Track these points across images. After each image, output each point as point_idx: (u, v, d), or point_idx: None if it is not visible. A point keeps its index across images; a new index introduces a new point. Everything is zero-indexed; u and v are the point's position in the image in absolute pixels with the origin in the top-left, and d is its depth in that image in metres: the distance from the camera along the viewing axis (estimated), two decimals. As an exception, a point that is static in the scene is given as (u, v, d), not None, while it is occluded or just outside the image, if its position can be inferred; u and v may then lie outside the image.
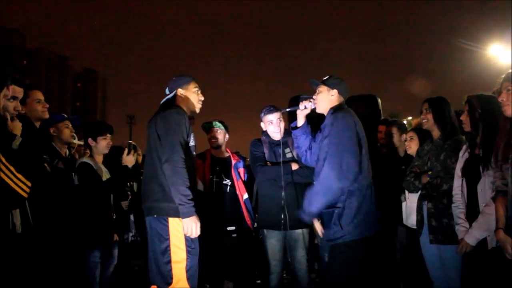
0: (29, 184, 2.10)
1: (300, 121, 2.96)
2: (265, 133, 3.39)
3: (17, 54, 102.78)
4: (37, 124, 3.02)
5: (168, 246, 2.50)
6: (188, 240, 2.54)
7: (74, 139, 3.46)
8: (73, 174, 3.31)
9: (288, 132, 3.26)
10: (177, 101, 2.77)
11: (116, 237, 3.51)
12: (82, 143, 3.71)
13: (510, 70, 2.29)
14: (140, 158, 5.00)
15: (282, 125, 3.29)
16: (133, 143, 4.00)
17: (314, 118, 3.03)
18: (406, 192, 3.44)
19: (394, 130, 4.03)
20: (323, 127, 2.78)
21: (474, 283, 2.55)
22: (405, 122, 5.27)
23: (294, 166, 3.19)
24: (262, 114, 3.34)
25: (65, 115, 3.45)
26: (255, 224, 4.50)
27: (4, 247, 2.11)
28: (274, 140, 3.30)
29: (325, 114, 2.86)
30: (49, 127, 3.24)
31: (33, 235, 2.49)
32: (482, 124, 2.58)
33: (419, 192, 3.10)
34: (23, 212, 2.31)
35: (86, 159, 3.40)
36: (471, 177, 2.61)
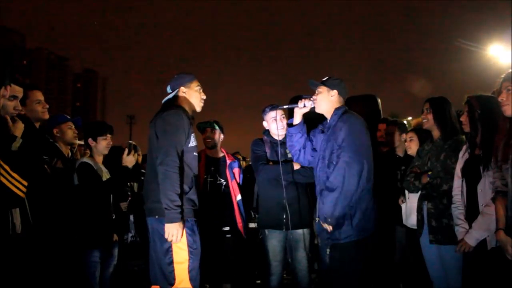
0: (25, 183, 2.10)
1: (297, 119, 2.95)
2: (266, 132, 3.39)
3: (17, 54, 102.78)
4: (37, 124, 3.02)
5: (170, 247, 2.49)
6: (190, 241, 2.54)
7: (76, 139, 3.46)
8: (73, 174, 3.31)
9: None
10: (179, 99, 2.74)
11: (115, 237, 3.51)
12: (82, 143, 3.70)
13: (510, 70, 2.29)
14: (140, 158, 5.00)
15: (285, 122, 3.27)
16: (133, 143, 4.00)
17: (310, 119, 3.04)
18: (406, 192, 3.44)
19: (395, 130, 4.04)
20: (328, 127, 2.81)
21: (474, 283, 2.55)
22: (405, 122, 5.26)
23: (296, 166, 3.18)
24: (265, 112, 3.33)
25: (68, 116, 3.46)
26: (255, 225, 4.50)
27: (4, 247, 2.11)
28: (276, 140, 3.30)
29: (325, 114, 2.87)
30: (53, 128, 3.25)
31: (33, 235, 2.49)
32: (481, 125, 2.57)
33: (419, 192, 3.10)
34: (23, 212, 2.31)
35: (86, 159, 3.40)
36: (471, 177, 2.61)
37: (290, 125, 3.00)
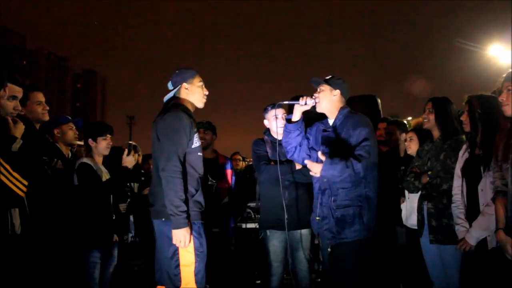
0: (25, 183, 2.11)
1: (296, 115, 2.92)
2: (267, 132, 3.38)
3: (17, 54, 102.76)
4: (37, 126, 3.01)
5: (177, 249, 2.47)
6: (197, 244, 2.52)
7: (76, 140, 3.46)
8: (73, 174, 3.31)
9: None
10: (180, 97, 2.68)
11: (115, 238, 3.51)
12: (81, 143, 3.70)
13: (510, 70, 2.29)
14: (140, 159, 5.00)
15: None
16: (133, 143, 4.00)
17: (310, 118, 3.04)
18: (406, 192, 3.44)
19: (395, 129, 4.04)
20: (332, 126, 2.81)
21: (474, 283, 2.55)
22: (404, 122, 5.27)
23: (298, 166, 3.17)
24: (266, 110, 3.33)
25: (69, 117, 3.46)
26: (255, 225, 4.49)
27: (3, 247, 2.11)
28: (277, 140, 3.29)
29: (326, 113, 2.87)
30: (54, 128, 3.25)
31: (32, 235, 2.49)
32: (482, 124, 2.58)
33: (419, 192, 3.10)
34: (23, 212, 2.31)
35: (85, 160, 3.39)
36: (471, 177, 2.61)
37: (288, 120, 2.98)
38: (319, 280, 4.16)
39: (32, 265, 2.50)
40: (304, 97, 2.86)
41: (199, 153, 2.64)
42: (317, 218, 2.81)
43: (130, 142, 3.72)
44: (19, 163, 2.11)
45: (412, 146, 3.55)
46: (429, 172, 2.99)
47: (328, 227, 2.74)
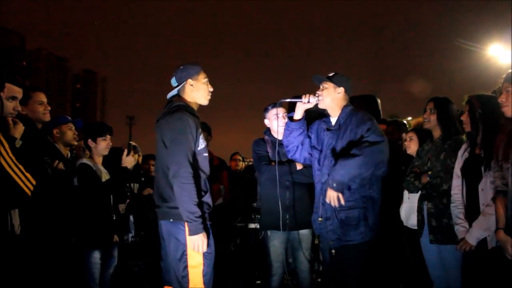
0: (34, 182, 2.15)
1: (298, 114, 2.88)
2: (268, 132, 3.37)
3: (16, 55, 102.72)
4: (39, 126, 3.01)
5: (185, 251, 2.43)
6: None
7: (76, 141, 3.45)
8: (73, 175, 3.30)
9: None
10: (185, 94, 2.62)
11: (116, 238, 3.51)
12: (80, 144, 3.70)
13: (510, 70, 2.29)
14: (140, 159, 5.00)
15: (287, 120, 3.25)
16: (133, 143, 4.00)
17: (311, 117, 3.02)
18: (406, 192, 3.42)
19: (395, 129, 4.04)
20: (336, 124, 2.76)
21: (474, 283, 2.55)
22: (404, 122, 5.27)
23: (299, 166, 3.16)
24: (267, 110, 3.31)
25: (69, 117, 3.46)
26: (255, 225, 4.49)
27: (3, 247, 2.11)
28: (277, 139, 3.29)
29: (330, 111, 2.82)
30: (53, 128, 3.24)
31: (32, 236, 2.49)
32: (482, 124, 2.57)
33: (419, 192, 3.10)
34: (22, 213, 2.31)
35: (85, 160, 3.39)
36: (471, 177, 2.61)
37: (290, 119, 2.93)
38: (319, 280, 4.16)
39: (32, 266, 2.50)
40: (307, 95, 2.81)
41: (205, 154, 2.60)
42: (320, 219, 2.77)
43: (130, 142, 3.72)
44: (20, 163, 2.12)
45: (412, 146, 3.54)
46: (429, 172, 2.99)
47: (332, 228, 2.70)
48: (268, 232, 3.25)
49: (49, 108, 3.04)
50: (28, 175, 2.13)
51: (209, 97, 2.68)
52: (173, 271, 2.47)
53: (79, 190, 3.27)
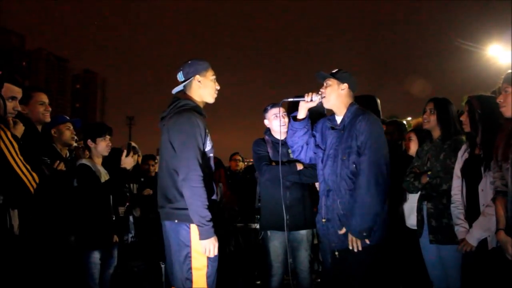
0: (37, 180, 2.19)
1: (302, 113, 2.83)
2: (268, 132, 3.36)
3: (16, 55, 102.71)
4: (39, 127, 3.01)
5: (189, 252, 2.40)
6: None
7: (74, 140, 3.44)
8: (72, 175, 3.30)
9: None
10: (191, 89, 2.55)
11: (116, 238, 3.51)
12: (77, 145, 3.70)
13: (509, 71, 2.29)
14: (140, 159, 5.00)
15: (286, 120, 3.22)
16: (133, 144, 3.99)
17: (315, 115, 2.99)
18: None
19: (395, 130, 4.04)
20: (341, 124, 2.71)
21: (474, 283, 2.55)
22: (404, 122, 5.28)
23: (299, 166, 3.15)
24: (266, 110, 3.31)
25: (67, 117, 3.45)
26: (255, 225, 4.48)
27: (2, 248, 2.11)
28: (278, 140, 3.28)
29: (334, 109, 2.77)
30: (51, 128, 3.24)
31: (32, 236, 2.48)
32: (482, 125, 2.57)
33: (419, 192, 3.10)
34: (22, 213, 2.31)
35: (84, 161, 3.39)
36: (471, 177, 2.61)
37: (294, 118, 2.89)
38: (319, 280, 4.16)
39: (32, 266, 2.50)
40: (310, 94, 2.76)
41: (210, 155, 2.57)
42: (323, 220, 2.73)
43: (129, 142, 3.71)
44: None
45: (411, 147, 3.54)
46: (429, 172, 2.99)
47: (334, 230, 2.67)
48: (268, 232, 3.25)
49: (50, 109, 3.03)
50: (34, 174, 2.16)
51: (215, 95, 2.61)
52: (176, 273, 2.45)
53: (79, 190, 3.27)
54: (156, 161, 5.11)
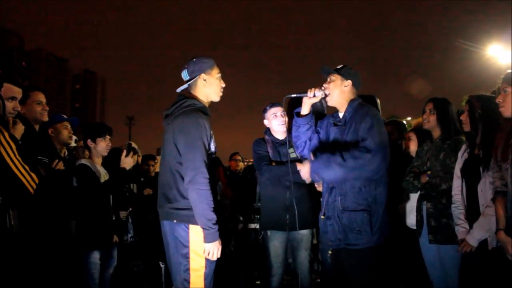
0: (36, 180, 2.19)
1: (305, 109, 2.80)
2: (268, 132, 3.36)
3: (15, 55, 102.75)
4: (36, 127, 3.00)
5: (188, 253, 2.38)
6: None
7: (72, 139, 3.43)
8: (71, 175, 3.30)
9: (290, 131, 3.20)
10: (197, 88, 2.50)
11: (115, 238, 3.51)
12: (77, 145, 3.69)
13: (508, 71, 2.29)
14: (140, 159, 5.00)
15: (286, 119, 3.21)
16: (133, 144, 3.99)
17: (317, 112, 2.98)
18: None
19: (394, 130, 4.04)
20: (343, 119, 2.69)
21: (474, 283, 2.55)
22: (404, 122, 5.27)
23: (300, 166, 3.15)
24: (266, 109, 3.31)
25: (65, 116, 3.45)
26: (255, 226, 4.48)
27: (1, 248, 2.11)
28: (278, 140, 3.27)
29: (336, 105, 2.75)
30: (48, 127, 3.24)
31: (32, 236, 2.48)
32: (482, 125, 2.57)
33: (419, 192, 3.10)
34: (22, 213, 2.31)
35: (84, 161, 3.39)
36: (471, 177, 2.61)
37: (297, 114, 2.87)
38: (319, 280, 4.16)
39: (32, 266, 2.50)
40: (313, 89, 2.73)
41: (213, 156, 2.54)
42: (322, 217, 2.71)
43: (129, 142, 3.71)
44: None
45: (411, 146, 3.55)
46: (429, 172, 2.99)
47: (332, 229, 2.64)
48: (268, 232, 3.24)
49: (47, 108, 3.02)
50: (33, 175, 2.16)
51: (221, 94, 2.57)
52: (174, 273, 2.44)
53: (78, 190, 3.27)
54: (156, 161, 5.11)
